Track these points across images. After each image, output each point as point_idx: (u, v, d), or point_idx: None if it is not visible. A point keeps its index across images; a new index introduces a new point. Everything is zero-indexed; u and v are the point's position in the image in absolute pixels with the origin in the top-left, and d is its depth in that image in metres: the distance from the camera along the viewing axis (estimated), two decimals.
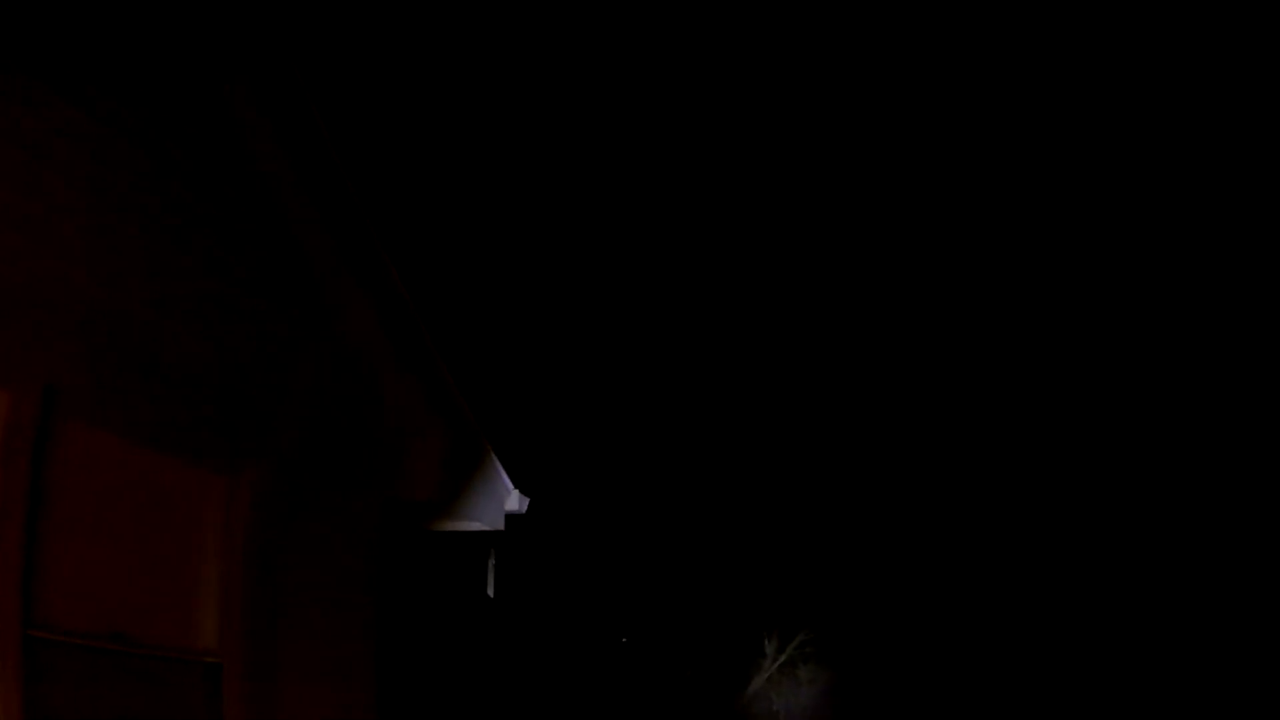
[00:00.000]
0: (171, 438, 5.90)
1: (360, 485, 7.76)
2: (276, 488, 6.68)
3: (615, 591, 23.02)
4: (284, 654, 6.73)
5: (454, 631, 10.95)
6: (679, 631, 24.90)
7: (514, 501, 9.46)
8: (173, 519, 6.00)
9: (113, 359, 5.48)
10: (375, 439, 7.95)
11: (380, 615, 7.91)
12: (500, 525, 9.47)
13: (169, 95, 5.93)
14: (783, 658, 26.74)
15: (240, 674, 6.24)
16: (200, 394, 6.11)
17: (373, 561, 7.88)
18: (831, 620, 26.79)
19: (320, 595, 7.29)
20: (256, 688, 6.37)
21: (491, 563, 11.85)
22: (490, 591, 12.05)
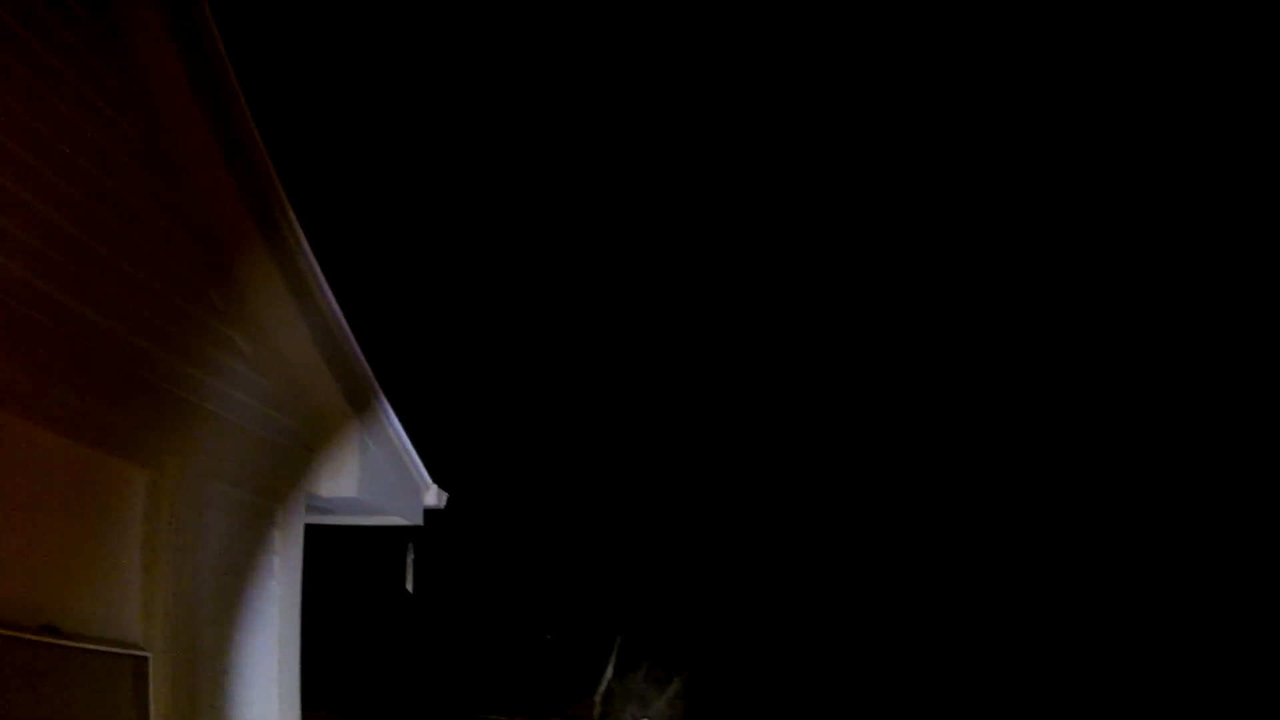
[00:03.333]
0: (98, 431, 5.99)
1: (278, 480, 7.88)
2: (198, 481, 6.79)
3: (538, 588, 23.07)
4: (208, 646, 6.85)
5: (373, 625, 11.06)
6: (604, 628, 24.97)
7: (432, 496, 9.57)
8: (99, 512, 6.10)
9: (41, 351, 5.54)
10: (292, 434, 8.06)
11: (301, 608, 8.03)
12: (419, 520, 9.59)
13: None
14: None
15: (166, 666, 6.35)
16: (125, 386, 6.20)
17: (291, 555, 8.00)
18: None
19: (241, 589, 7.41)
20: (182, 679, 6.49)
21: (410, 557, 11.96)
22: (409, 586, 12.15)
